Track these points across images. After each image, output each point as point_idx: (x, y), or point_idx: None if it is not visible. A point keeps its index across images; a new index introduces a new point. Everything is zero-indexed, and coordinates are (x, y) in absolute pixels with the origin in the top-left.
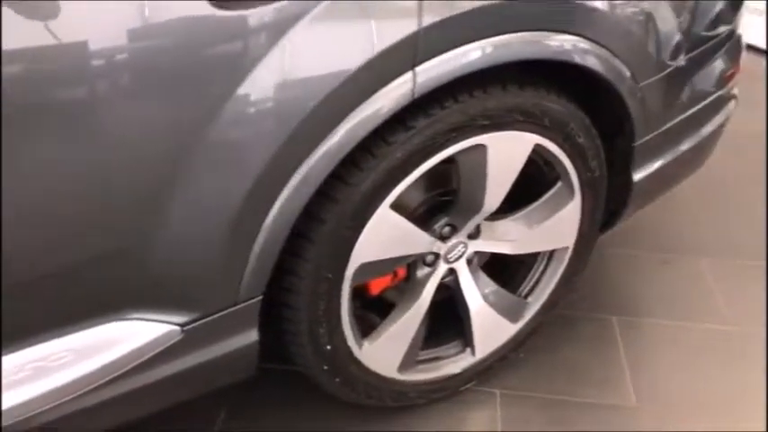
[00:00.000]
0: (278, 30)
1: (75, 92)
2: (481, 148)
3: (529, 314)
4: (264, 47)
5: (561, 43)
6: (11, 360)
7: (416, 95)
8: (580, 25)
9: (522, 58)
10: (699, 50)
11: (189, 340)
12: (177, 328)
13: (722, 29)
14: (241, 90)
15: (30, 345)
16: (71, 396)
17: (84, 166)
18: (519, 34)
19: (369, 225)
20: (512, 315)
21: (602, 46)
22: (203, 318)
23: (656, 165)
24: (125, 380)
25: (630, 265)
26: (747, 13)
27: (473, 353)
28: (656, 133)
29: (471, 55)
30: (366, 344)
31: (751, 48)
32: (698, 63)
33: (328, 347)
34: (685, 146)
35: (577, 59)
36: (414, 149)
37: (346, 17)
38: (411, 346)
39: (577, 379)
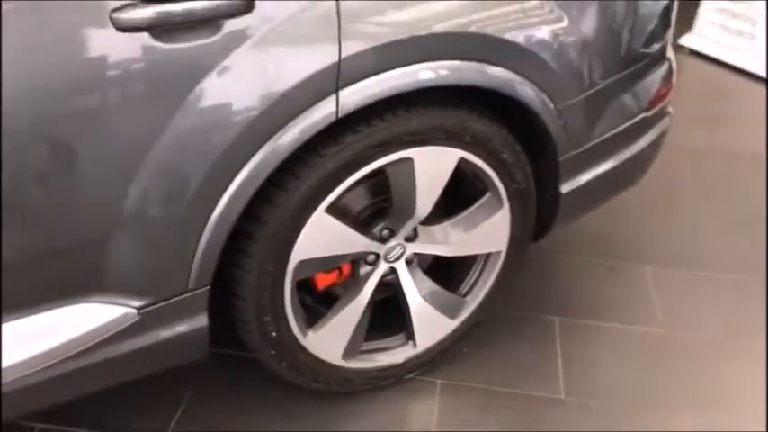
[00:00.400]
0: (214, 59)
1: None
2: (408, 160)
3: (467, 312)
4: (201, 74)
5: (469, 70)
6: None
7: (341, 115)
8: (489, 54)
9: (431, 85)
10: (621, 74)
11: (144, 322)
12: (134, 310)
13: (649, 50)
14: (183, 110)
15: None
16: (38, 368)
17: (60, 165)
18: (432, 63)
19: (306, 227)
20: (450, 312)
21: (514, 71)
22: (157, 303)
23: (584, 179)
24: (86, 355)
25: (579, 271)
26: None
27: (414, 345)
28: (580, 150)
29: (389, 82)
30: (311, 333)
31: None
32: (622, 85)
33: (274, 334)
34: (613, 162)
35: (487, 84)
36: (344, 161)
37: (275, 49)
38: (353, 336)
39: (514, 372)
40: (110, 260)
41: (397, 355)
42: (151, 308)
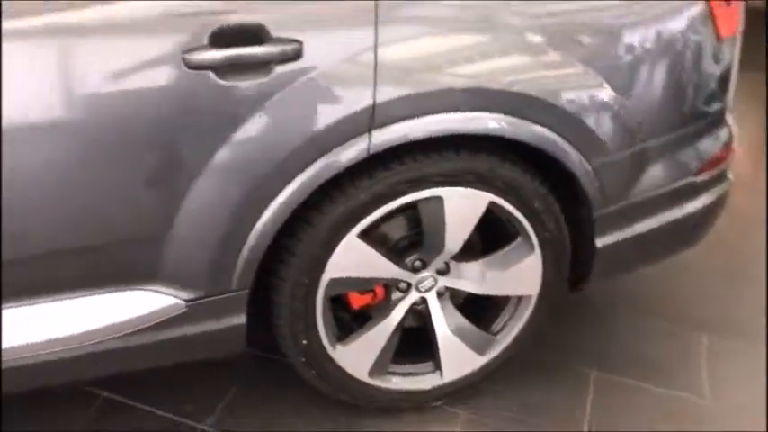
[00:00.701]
0: (266, 96)
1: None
2: (438, 199)
3: (496, 350)
4: (254, 108)
5: (500, 122)
6: (63, 304)
7: (371, 152)
8: (518, 109)
9: (462, 132)
10: (663, 137)
11: (190, 313)
12: (182, 302)
13: (697, 116)
14: (236, 136)
15: (76, 296)
16: (96, 340)
17: (131, 177)
18: (463, 114)
19: (338, 248)
20: (479, 348)
21: (550, 129)
22: (202, 298)
23: (622, 236)
24: (139, 335)
25: (627, 327)
26: None
27: (441, 375)
28: (616, 207)
29: (418, 128)
30: (340, 346)
31: None
32: (663, 148)
33: (305, 342)
34: (656, 222)
35: (518, 137)
36: (376, 193)
37: (318, 91)
38: (380, 356)
39: (539, 416)
40: (166, 255)
41: (423, 381)
42: (197, 302)
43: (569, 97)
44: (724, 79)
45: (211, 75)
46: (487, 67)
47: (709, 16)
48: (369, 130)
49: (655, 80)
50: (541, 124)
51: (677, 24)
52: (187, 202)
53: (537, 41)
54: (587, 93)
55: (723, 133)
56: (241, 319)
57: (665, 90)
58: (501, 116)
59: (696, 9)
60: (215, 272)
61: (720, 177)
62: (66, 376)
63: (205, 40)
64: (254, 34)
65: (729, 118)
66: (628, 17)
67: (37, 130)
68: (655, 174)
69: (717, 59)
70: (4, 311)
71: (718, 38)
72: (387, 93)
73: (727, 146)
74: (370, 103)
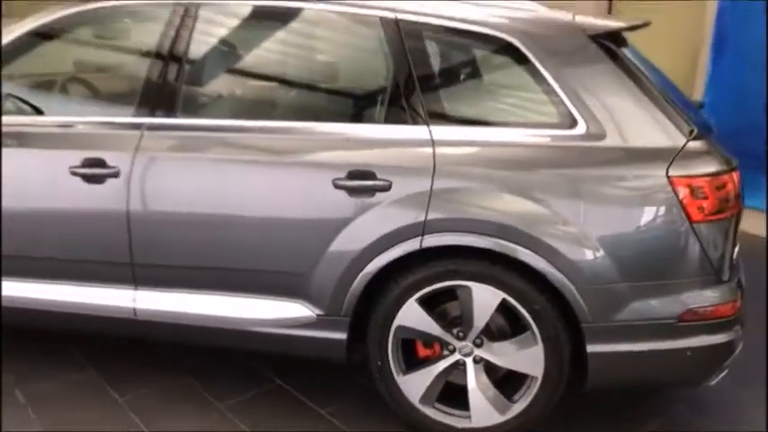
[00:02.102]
0: (368, 207)
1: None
2: (468, 287)
3: (511, 414)
4: (360, 211)
5: (502, 244)
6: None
7: (422, 248)
8: (522, 240)
9: (475, 246)
10: (639, 282)
11: (317, 323)
12: (315, 315)
13: (678, 273)
14: (349, 227)
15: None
16: (264, 325)
17: (302, 244)
18: (479, 236)
19: (403, 306)
20: (499, 408)
21: (539, 255)
22: (325, 315)
23: (610, 349)
24: (291, 329)
25: None
26: None
27: (470, 420)
28: (604, 324)
29: (450, 239)
30: (402, 375)
31: None
32: (640, 290)
33: (379, 363)
34: (644, 348)
35: (521, 258)
36: (425, 276)
37: (387, 209)
38: (427, 390)
39: None
40: (310, 285)
41: (457, 421)
42: (322, 317)
43: (558, 237)
44: (709, 251)
45: (344, 193)
46: (501, 208)
47: (677, 203)
48: (422, 235)
49: (621, 241)
50: (536, 252)
51: (644, 204)
52: (323, 258)
53: (539, 199)
54: (572, 238)
55: (714, 293)
56: (344, 335)
57: (629, 248)
58: (504, 241)
59: (661, 195)
60: (333, 301)
61: (714, 328)
62: (238, 344)
63: (344, 175)
64: (369, 175)
65: (731, 282)
66: (605, 191)
67: (268, 221)
68: (635, 307)
69: (687, 237)
70: (231, 299)
71: (690, 219)
72: (433, 214)
73: (722, 304)
74: (423, 219)
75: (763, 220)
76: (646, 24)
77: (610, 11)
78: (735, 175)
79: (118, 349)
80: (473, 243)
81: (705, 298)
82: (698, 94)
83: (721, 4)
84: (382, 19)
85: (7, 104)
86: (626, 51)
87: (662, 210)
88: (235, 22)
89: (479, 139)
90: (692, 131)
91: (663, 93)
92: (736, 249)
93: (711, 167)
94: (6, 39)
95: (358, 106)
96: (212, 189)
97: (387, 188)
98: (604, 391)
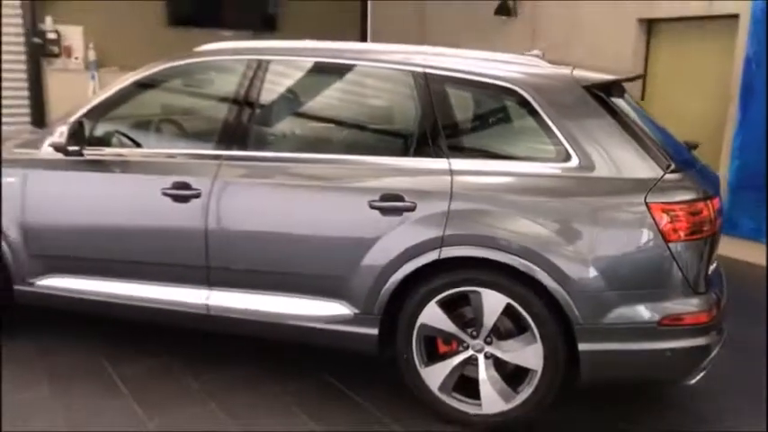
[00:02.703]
0: (396, 225)
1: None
2: (478, 292)
3: (515, 402)
4: (390, 228)
5: (516, 261)
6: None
7: (441, 258)
8: (534, 259)
9: (481, 257)
10: (621, 291)
11: (354, 320)
12: (352, 313)
13: (655, 284)
14: (380, 240)
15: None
16: (308, 320)
17: (345, 254)
18: (485, 249)
19: (426, 308)
20: (504, 397)
21: (537, 265)
22: (361, 314)
23: (599, 348)
24: (333, 324)
25: None
26: None
27: (481, 407)
28: (592, 325)
29: (464, 251)
30: (424, 366)
31: None
32: (623, 296)
33: (405, 356)
34: (630, 347)
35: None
36: (443, 282)
37: (412, 226)
38: (445, 380)
39: None
40: (349, 288)
41: (471, 408)
42: (358, 315)
43: (553, 252)
44: (684, 267)
45: (378, 213)
46: (505, 226)
47: (654, 226)
48: (440, 247)
49: (607, 256)
50: (535, 263)
51: (626, 226)
52: (360, 265)
53: (537, 218)
54: (565, 252)
55: (690, 302)
56: (376, 331)
57: (615, 262)
58: (505, 253)
59: (641, 219)
60: (368, 302)
61: (691, 333)
62: (290, 336)
63: (378, 197)
64: (398, 198)
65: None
66: (593, 213)
67: (316, 234)
68: (620, 312)
69: (663, 255)
70: (286, 298)
71: (666, 239)
72: (450, 231)
73: (697, 313)
74: (441, 234)
75: None
76: (638, 77)
77: (647, 59)
78: (711, 203)
79: (190, 340)
80: (481, 255)
81: (682, 306)
82: (728, 137)
83: (748, 52)
84: (413, 72)
85: (114, 139)
86: (621, 99)
87: (641, 231)
88: (297, 75)
89: (489, 169)
90: (668, 166)
91: (646, 133)
92: (713, 266)
93: (685, 196)
94: (114, 89)
95: (391, 142)
96: (273, 207)
97: (412, 209)
98: (596, 388)
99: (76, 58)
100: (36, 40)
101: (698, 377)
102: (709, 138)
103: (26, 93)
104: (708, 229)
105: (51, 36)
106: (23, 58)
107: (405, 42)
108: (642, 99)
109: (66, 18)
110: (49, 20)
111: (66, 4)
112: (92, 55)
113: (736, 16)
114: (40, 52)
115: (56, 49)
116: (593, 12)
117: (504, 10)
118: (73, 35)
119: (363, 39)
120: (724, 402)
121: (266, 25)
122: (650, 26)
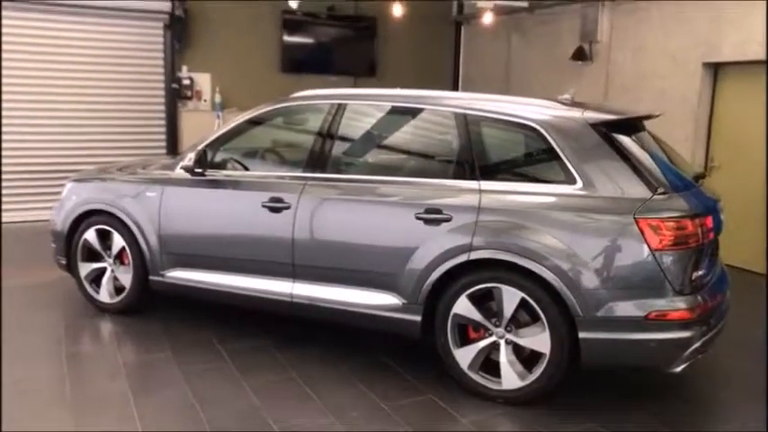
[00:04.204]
0: (435, 234)
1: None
2: (499, 288)
3: (529, 380)
4: (429, 238)
5: (531, 265)
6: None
7: (470, 259)
8: (541, 259)
9: (502, 260)
10: (613, 290)
11: (403, 308)
12: (401, 303)
13: (641, 286)
14: (422, 246)
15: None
16: (368, 309)
17: (396, 258)
18: (505, 253)
19: (458, 300)
20: (521, 376)
21: (544, 266)
22: (408, 303)
23: (597, 336)
24: (386, 311)
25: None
26: None
27: (501, 384)
28: (591, 317)
29: (486, 254)
30: (457, 348)
31: None
32: (615, 295)
33: (442, 340)
34: (624, 337)
35: (534, 270)
36: (472, 279)
37: (448, 234)
38: (473, 360)
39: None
40: (399, 282)
41: (493, 384)
42: (406, 304)
43: (558, 256)
44: (667, 271)
45: (422, 223)
46: (523, 235)
47: (641, 237)
48: (469, 251)
49: (602, 260)
50: (543, 265)
51: (619, 236)
52: (408, 264)
53: (548, 229)
54: (568, 257)
55: (673, 301)
56: (419, 318)
57: (608, 265)
58: (523, 258)
59: (630, 230)
60: (413, 293)
61: (674, 327)
62: (353, 321)
63: (422, 210)
64: (438, 211)
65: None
66: (592, 225)
67: (375, 239)
68: (612, 306)
69: (648, 260)
70: (352, 290)
71: (651, 248)
72: (477, 240)
73: (680, 310)
74: (470, 241)
75: None
76: (649, 117)
77: (713, 100)
78: (698, 220)
79: (279, 325)
80: (500, 258)
81: (666, 304)
82: None
83: None
84: (455, 113)
85: (228, 164)
86: (636, 135)
87: (631, 241)
88: (367, 114)
89: (509, 189)
90: (657, 189)
91: (642, 163)
92: (700, 273)
93: (670, 213)
94: (230, 125)
95: (435, 166)
96: (344, 217)
97: (449, 220)
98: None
99: (205, 101)
100: (174, 85)
101: (681, 366)
102: None
103: (164, 128)
104: (693, 242)
105: (186, 82)
106: (163, 100)
107: (490, 82)
108: (708, 138)
109: (198, 66)
110: (185, 68)
111: (199, 55)
112: (218, 98)
113: None
114: (177, 95)
115: (189, 93)
116: (660, 57)
117: (579, 55)
118: (203, 81)
119: (455, 81)
120: (724, 402)
121: (367, 72)
122: (716, 69)
